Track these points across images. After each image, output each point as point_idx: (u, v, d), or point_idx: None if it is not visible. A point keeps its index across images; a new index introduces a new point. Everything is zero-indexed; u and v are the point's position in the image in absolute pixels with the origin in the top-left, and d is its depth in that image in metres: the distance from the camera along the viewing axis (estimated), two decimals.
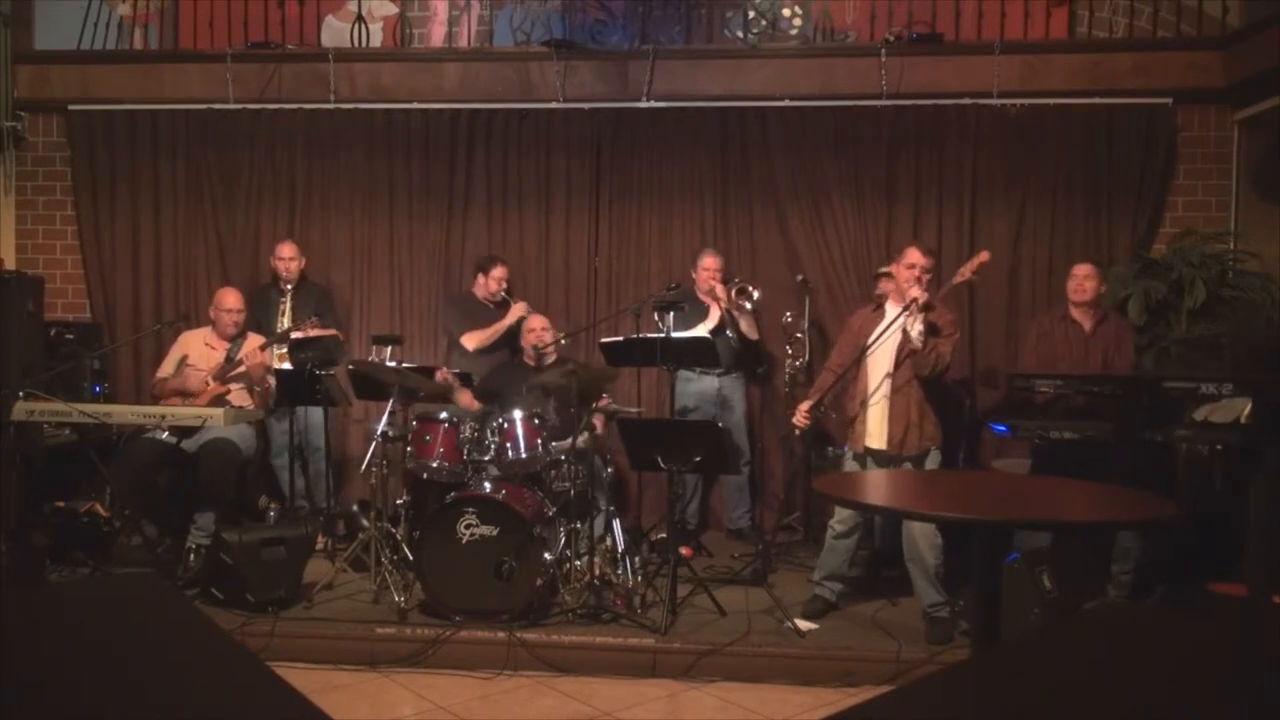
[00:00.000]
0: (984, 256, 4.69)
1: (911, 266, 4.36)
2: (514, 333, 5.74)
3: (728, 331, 5.66)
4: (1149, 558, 4.57)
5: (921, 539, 4.30)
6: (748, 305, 5.62)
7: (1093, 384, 4.60)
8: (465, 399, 5.45)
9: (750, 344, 5.83)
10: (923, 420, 4.36)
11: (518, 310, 5.72)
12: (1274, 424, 4.14)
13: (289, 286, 5.92)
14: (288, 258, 5.95)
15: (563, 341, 5.11)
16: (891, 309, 4.46)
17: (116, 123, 6.52)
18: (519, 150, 6.37)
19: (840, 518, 4.52)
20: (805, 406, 4.61)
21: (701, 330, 5.59)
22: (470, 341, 5.80)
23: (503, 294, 5.87)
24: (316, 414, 5.49)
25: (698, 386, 5.75)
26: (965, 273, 4.70)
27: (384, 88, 6.42)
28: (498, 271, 5.91)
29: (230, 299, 5.49)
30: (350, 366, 5.30)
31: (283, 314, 5.86)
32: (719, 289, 5.66)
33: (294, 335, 5.54)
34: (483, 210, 6.41)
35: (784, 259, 6.22)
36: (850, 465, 4.59)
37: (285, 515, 5.46)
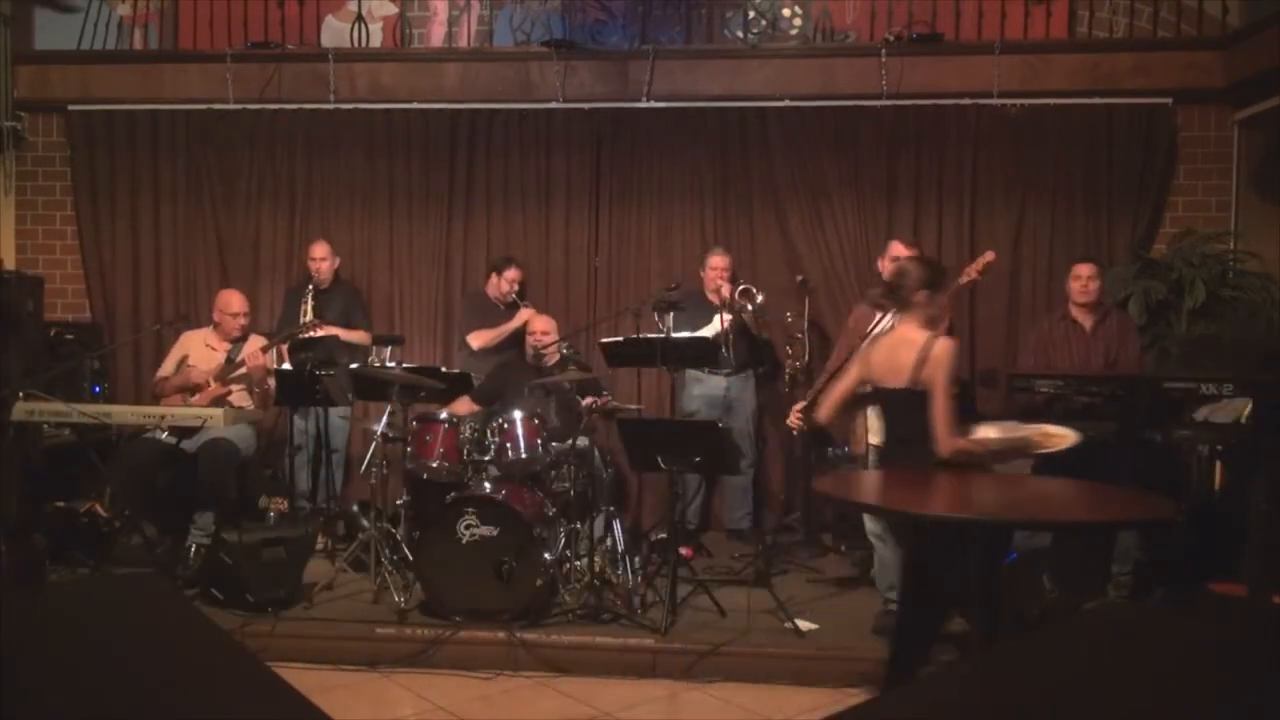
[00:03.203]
0: (990, 256, 4.66)
1: (895, 259, 4.41)
2: (522, 334, 5.72)
3: (723, 345, 5.50)
4: (1149, 558, 4.56)
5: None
6: (749, 307, 5.59)
7: (1092, 384, 4.59)
8: (463, 407, 5.34)
9: (761, 342, 5.81)
10: None
11: (523, 315, 5.70)
12: (1274, 424, 4.14)
13: (311, 288, 5.86)
14: (318, 258, 5.91)
15: (564, 352, 5.08)
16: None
17: (116, 123, 6.52)
18: (519, 150, 6.36)
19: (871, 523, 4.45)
20: (798, 407, 4.57)
21: (707, 333, 5.56)
22: (476, 340, 5.79)
23: (514, 296, 5.86)
24: (336, 414, 5.48)
25: (705, 387, 5.73)
26: (971, 273, 4.68)
27: (384, 88, 6.41)
28: (511, 273, 5.89)
29: (235, 303, 5.45)
30: (354, 366, 5.30)
31: (304, 315, 5.77)
32: (725, 289, 5.64)
33: (300, 337, 5.52)
34: (483, 210, 6.41)
35: (784, 259, 6.22)
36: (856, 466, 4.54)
37: (286, 515, 5.46)
